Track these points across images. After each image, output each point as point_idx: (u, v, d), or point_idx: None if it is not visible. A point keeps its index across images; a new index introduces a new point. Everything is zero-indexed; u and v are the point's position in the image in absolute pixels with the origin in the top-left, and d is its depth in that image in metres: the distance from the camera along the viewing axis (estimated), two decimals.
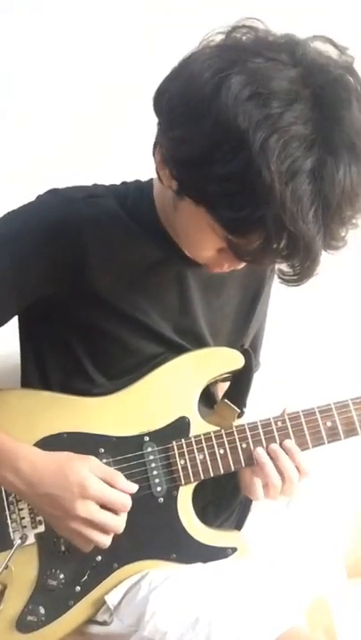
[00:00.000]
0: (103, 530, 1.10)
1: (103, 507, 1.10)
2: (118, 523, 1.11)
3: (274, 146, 0.89)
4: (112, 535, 1.12)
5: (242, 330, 1.35)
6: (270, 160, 0.89)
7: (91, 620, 1.19)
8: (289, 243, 0.94)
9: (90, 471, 1.10)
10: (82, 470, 1.10)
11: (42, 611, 1.17)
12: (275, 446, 1.18)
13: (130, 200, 1.19)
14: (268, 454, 1.18)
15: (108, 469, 1.14)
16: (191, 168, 0.96)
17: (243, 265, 1.09)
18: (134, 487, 1.14)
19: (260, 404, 1.26)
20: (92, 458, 1.13)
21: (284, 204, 0.90)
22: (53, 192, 1.18)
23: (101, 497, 1.09)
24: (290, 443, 1.19)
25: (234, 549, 1.20)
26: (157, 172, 1.11)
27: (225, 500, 1.31)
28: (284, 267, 1.01)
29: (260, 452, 1.18)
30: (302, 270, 0.99)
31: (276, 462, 1.17)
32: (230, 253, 1.05)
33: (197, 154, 0.94)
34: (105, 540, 1.11)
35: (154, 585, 1.16)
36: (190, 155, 0.95)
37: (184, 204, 1.04)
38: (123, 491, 1.12)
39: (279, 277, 1.03)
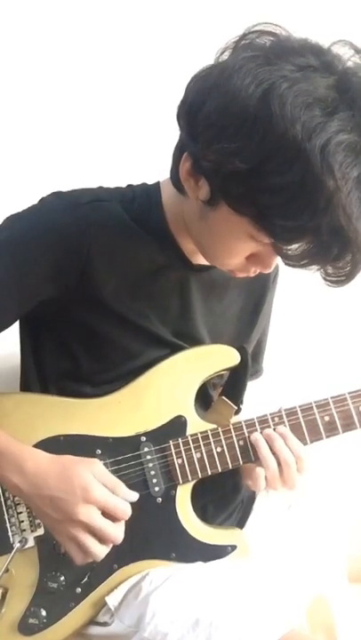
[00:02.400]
0: (101, 538, 1.08)
1: (104, 514, 1.09)
2: (117, 532, 1.09)
3: (333, 154, 0.90)
4: (109, 547, 1.09)
5: (245, 335, 1.35)
6: (333, 169, 0.90)
7: (92, 622, 1.19)
8: (342, 245, 0.95)
9: (93, 476, 1.09)
10: (86, 474, 1.09)
11: (43, 613, 1.17)
12: (269, 431, 1.18)
13: (136, 204, 1.18)
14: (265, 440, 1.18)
15: (111, 477, 1.12)
16: (241, 180, 0.95)
17: (272, 269, 1.10)
18: (135, 495, 1.13)
19: (258, 402, 1.25)
20: (97, 462, 1.12)
21: (345, 210, 0.91)
22: (57, 195, 1.18)
23: (104, 502, 1.08)
24: (282, 428, 1.18)
25: (233, 547, 1.19)
26: (175, 182, 1.11)
27: (225, 497, 1.30)
28: (329, 268, 1.01)
29: (256, 436, 1.18)
30: (352, 270, 1.00)
31: (272, 446, 1.17)
32: (259, 259, 1.07)
33: (249, 166, 0.93)
34: (100, 551, 1.08)
35: (154, 586, 1.15)
36: (241, 167, 0.94)
37: (216, 213, 1.04)
38: (124, 498, 1.11)
39: (325, 279, 1.03)
